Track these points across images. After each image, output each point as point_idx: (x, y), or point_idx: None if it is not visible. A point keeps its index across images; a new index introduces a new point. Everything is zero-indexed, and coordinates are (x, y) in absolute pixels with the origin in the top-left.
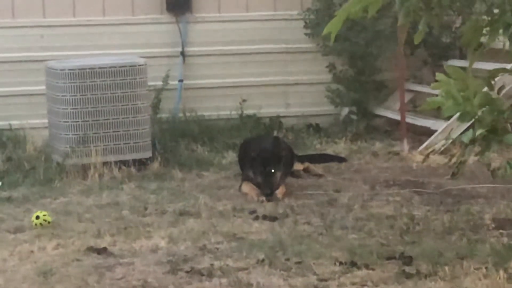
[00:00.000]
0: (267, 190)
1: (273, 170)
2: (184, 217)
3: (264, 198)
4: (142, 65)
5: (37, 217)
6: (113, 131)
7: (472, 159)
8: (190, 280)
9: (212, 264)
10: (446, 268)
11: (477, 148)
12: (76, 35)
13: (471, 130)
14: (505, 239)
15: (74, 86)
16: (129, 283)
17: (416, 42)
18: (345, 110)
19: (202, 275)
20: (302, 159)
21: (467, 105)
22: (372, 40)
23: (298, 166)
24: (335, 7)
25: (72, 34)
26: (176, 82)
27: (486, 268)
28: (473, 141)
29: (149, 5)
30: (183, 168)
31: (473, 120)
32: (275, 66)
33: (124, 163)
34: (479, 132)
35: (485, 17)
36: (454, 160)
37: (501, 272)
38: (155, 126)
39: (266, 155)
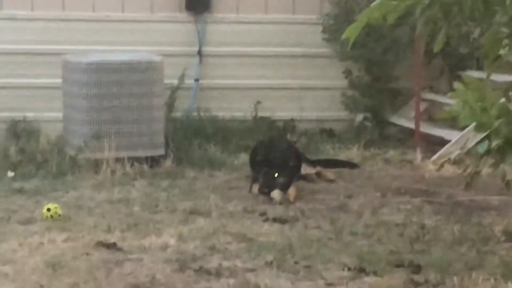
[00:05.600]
0: (265, 189)
1: (276, 175)
2: (194, 216)
3: (277, 201)
4: (159, 62)
5: (48, 210)
6: (128, 127)
7: (484, 170)
8: (198, 279)
9: (220, 264)
10: (455, 278)
11: (491, 160)
12: (94, 30)
13: (487, 141)
14: None
15: (90, 80)
16: (137, 279)
17: (435, 51)
18: (360, 117)
19: (210, 274)
20: (314, 164)
21: (483, 115)
22: (390, 47)
23: (310, 170)
24: (354, 13)
25: (90, 29)
26: (192, 81)
27: (494, 279)
28: (488, 152)
29: (169, 3)
30: (195, 167)
31: (488, 131)
32: (291, 69)
33: (137, 159)
34: (495, 143)
35: (504, 29)
36: (468, 170)
37: (510, 284)
38: (169, 124)
39: (270, 160)
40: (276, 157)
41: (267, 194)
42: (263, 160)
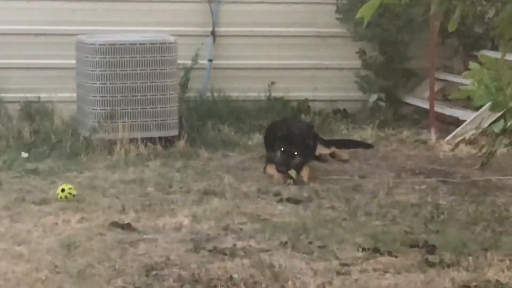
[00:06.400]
0: (283, 167)
1: (295, 153)
2: (209, 197)
3: (291, 181)
4: (172, 43)
5: (62, 190)
6: (141, 108)
7: (500, 150)
8: (212, 259)
9: (234, 244)
10: (470, 258)
11: (506, 140)
12: (107, 10)
13: (502, 120)
14: None
15: (103, 61)
16: (151, 259)
17: (450, 30)
18: (374, 97)
19: (225, 254)
20: (328, 144)
21: (499, 95)
22: (404, 27)
23: (324, 151)
24: None
25: (103, 10)
26: (206, 62)
27: (509, 260)
28: (503, 132)
29: None
30: (209, 148)
31: (504, 110)
32: (305, 49)
33: (151, 140)
34: (510, 122)
35: None
36: (483, 150)
37: None
38: (182, 105)
39: (290, 137)
40: (295, 135)
41: (286, 172)
42: (283, 136)
